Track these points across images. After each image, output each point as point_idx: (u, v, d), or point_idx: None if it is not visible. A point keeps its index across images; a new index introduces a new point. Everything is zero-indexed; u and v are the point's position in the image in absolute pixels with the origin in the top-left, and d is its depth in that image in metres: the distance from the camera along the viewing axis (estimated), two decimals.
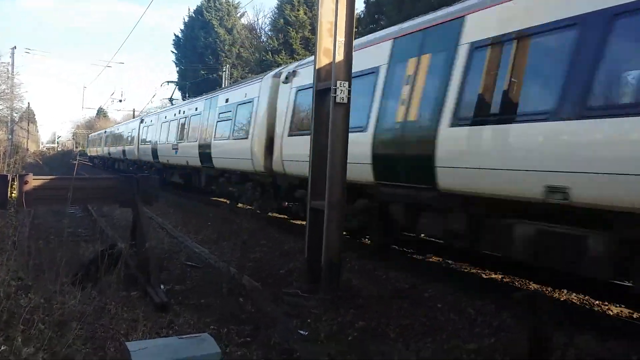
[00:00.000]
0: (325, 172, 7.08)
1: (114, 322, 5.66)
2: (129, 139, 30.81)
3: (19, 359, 4.32)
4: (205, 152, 16.67)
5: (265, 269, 8.95)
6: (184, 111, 20.29)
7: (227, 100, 15.65)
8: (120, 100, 51.32)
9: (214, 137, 16.12)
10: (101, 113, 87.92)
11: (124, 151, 32.24)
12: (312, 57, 8.87)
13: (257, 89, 13.50)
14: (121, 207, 9.96)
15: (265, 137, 12.51)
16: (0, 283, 5.81)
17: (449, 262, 8.79)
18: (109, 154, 39.89)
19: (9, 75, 29.13)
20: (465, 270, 8.27)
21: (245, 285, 7.60)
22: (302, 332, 5.83)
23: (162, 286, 7.26)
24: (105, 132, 46.09)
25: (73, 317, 5.52)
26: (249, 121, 13.51)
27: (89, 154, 58.07)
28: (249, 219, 11.31)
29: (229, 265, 8.05)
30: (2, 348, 4.32)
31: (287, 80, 11.46)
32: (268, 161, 12.29)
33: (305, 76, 10.21)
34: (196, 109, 18.71)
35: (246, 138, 13.38)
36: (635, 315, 6.16)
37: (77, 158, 20.87)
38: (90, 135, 66.38)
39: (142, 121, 28.45)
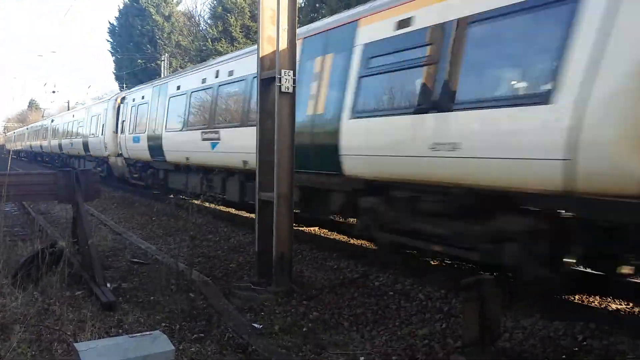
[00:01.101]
0: (272, 164, 7.04)
1: (60, 323, 5.46)
2: (93, 130, 23.89)
3: None
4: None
5: (215, 263, 8.86)
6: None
7: None
8: (54, 92, 48.99)
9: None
10: (33, 105, 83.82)
11: (84, 145, 25.46)
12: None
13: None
14: (60, 203, 9.56)
15: None
16: None
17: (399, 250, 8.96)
18: (60, 148, 32.09)
19: None
20: (413, 257, 8.46)
21: (195, 280, 7.49)
22: (256, 325, 5.82)
23: (108, 284, 7.03)
24: (52, 120, 37.67)
25: (15, 319, 5.31)
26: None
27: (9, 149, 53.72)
28: (195, 214, 11.10)
29: (177, 261, 7.91)
30: None
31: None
32: None
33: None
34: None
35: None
36: (577, 297, 6.45)
37: (11, 152, 19.52)
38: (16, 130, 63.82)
39: (122, 100, 20.68)
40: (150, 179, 17.58)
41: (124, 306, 6.48)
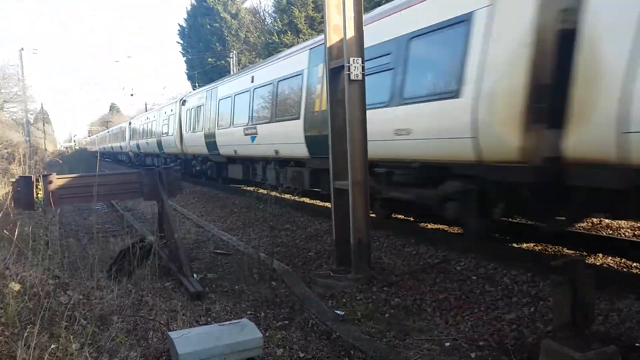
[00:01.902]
0: (345, 152, 7.04)
1: (154, 313, 5.75)
2: (163, 129, 25.96)
3: (66, 355, 4.41)
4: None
5: (294, 252, 9.01)
6: (253, 78, 15.26)
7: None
8: (132, 95, 51.47)
9: None
10: (114, 109, 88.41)
11: (158, 143, 27.35)
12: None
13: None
14: (146, 200, 10.04)
15: None
16: (38, 282, 5.92)
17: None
18: (138, 148, 34.50)
19: (20, 77, 29.23)
20: (496, 240, 8.22)
21: (276, 269, 7.67)
22: (338, 312, 5.87)
23: (194, 275, 7.34)
24: (130, 123, 40.14)
25: (113, 310, 5.62)
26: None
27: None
28: (272, 205, 11.33)
29: (257, 251, 8.11)
30: (52, 347, 4.41)
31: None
32: None
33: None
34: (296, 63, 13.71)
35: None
36: None
37: (98, 155, 20.74)
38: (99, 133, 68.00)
39: (183, 103, 22.68)
40: (209, 171, 19.87)
41: (210, 295, 6.74)
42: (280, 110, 12.72)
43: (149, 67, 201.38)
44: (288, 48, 16.55)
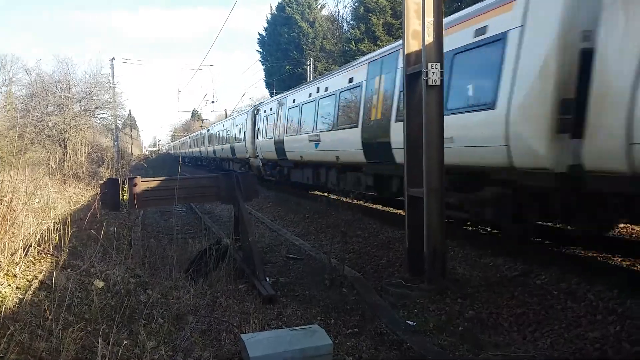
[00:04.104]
0: (421, 159, 6.91)
1: (227, 315, 5.88)
2: (238, 135, 27.26)
3: (143, 352, 4.60)
4: (377, 140, 13.00)
5: (365, 259, 8.94)
6: (325, 88, 15.65)
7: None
8: (213, 102, 53.24)
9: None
10: (196, 115, 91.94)
11: (232, 149, 29.10)
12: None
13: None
14: (223, 204, 10.32)
15: None
16: (121, 280, 6.23)
17: (560, 245, 8.30)
18: (214, 153, 36.79)
19: (110, 85, 31.02)
20: (580, 255, 7.77)
21: (347, 276, 7.64)
22: (409, 322, 5.75)
23: (267, 279, 7.44)
24: (208, 130, 42.94)
25: (189, 310, 5.81)
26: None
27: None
28: (344, 211, 11.35)
29: (329, 257, 8.12)
30: (127, 342, 4.61)
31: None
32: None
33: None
34: (350, 80, 13.93)
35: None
36: None
37: (180, 159, 21.64)
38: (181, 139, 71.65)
39: (256, 112, 24.12)
40: (278, 175, 20.74)
41: (282, 299, 6.80)
42: (341, 119, 13.49)
43: (230, 75, 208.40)
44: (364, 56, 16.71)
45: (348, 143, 12.61)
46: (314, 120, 15.47)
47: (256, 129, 23.43)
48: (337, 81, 14.16)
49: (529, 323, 5.48)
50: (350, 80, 13.11)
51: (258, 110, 23.95)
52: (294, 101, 18.03)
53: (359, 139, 11.98)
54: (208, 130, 42.75)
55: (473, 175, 8.22)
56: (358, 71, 12.79)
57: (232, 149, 28.80)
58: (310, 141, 15.40)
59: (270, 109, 21.29)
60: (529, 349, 4.97)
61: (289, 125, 18.16)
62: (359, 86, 12.51)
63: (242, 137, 25.90)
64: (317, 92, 15.62)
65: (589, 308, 5.53)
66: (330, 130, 13.96)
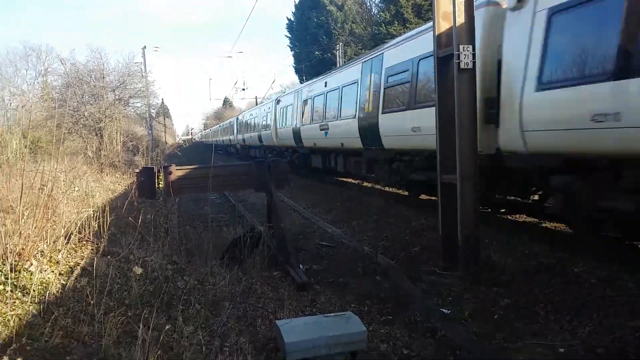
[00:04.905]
0: (454, 144, 6.82)
1: (262, 301, 5.97)
2: (264, 124, 28.93)
3: (181, 337, 4.71)
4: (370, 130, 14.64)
5: (398, 247, 8.92)
6: (330, 83, 17.76)
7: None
8: (243, 89, 53.45)
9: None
10: (227, 103, 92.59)
11: (259, 137, 30.62)
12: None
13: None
14: (256, 191, 10.42)
15: None
16: (158, 267, 6.38)
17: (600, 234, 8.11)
18: (243, 141, 38.48)
19: (143, 74, 31.35)
20: (618, 243, 7.58)
21: (380, 263, 7.64)
22: (444, 310, 5.73)
23: (301, 266, 7.51)
24: (237, 118, 44.55)
25: (225, 297, 5.91)
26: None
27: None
28: (376, 198, 11.34)
29: (362, 245, 8.13)
30: (167, 327, 4.73)
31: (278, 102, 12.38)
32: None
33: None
34: (349, 76, 16.08)
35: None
36: None
37: (213, 148, 22.03)
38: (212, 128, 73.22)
39: (277, 102, 25.97)
40: (295, 160, 22.46)
41: (315, 287, 6.86)
42: (343, 109, 15.39)
43: (260, 61, 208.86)
44: (394, 39, 17.00)
45: (349, 131, 14.42)
46: (324, 111, 17.35)
47: (277, 118, 25.29)
48: (341, 77, 16.08)
49: (567, 312, 5.40)
50: (349, 77, 15.16)
51: (279, 101, 25.58)
52: (308, 92, 19.89)
53: (357, 128, 13.80)
54: (237, 118, 44.15)
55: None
56: (355, 69, 14.69)
57: (260, 137, 30.21)
58: (321, 130, 17.26)
59: (288, 100, 23.38)
60: (567, 337, 4.91)
61: (304, 115, 19.91)
62: (355, 82, 14.43)
63: (268, 125, 27.44)
64: (326, 86, 17.61)
65: (628, 296, 5.42)
66: (336, 120, 15.83)
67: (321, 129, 17.19)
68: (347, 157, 15.73)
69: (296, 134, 20.77)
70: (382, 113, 11.97)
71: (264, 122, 28.55)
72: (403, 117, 10.78)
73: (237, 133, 42.16)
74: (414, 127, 10.23)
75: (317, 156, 19.00)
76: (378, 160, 12.86)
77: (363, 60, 14.10)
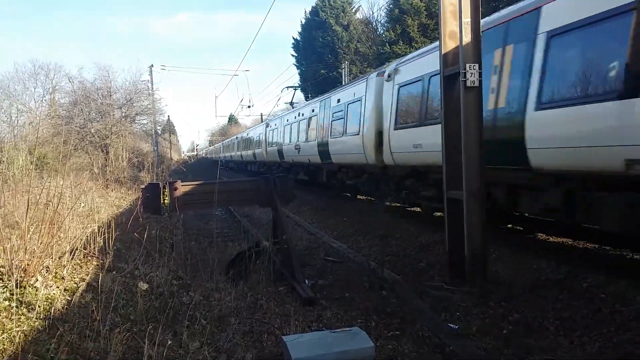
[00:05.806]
0: (460, 161, 6.83)
1: (268, 317, 5.92)
2: (257, 143, 33.82)
3: (187, 353, 4.67)
4: (324, 149, 18.28)
5: (405, 262, 8.86)
6: (302, 113, 22.20)
7: (338, 101, 17.20)
8: (249, 107, 53.71)
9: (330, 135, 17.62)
10: (232, 120, 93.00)
11: (254, 154, 35.48)
12: (413, 54, 12.33)
13: (363, 88, 14.66)
14: (261, 207, 10.40)
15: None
16: (164, 282, 6.35)
17: (607, 248, 8.06)
18: (242, 157, 43.82)
19: (150, 92, 31.62)
20: (627, 257, 7.53)
21: (387, 278, 7.58)
22: (452, 325, 5.66)
23: (306, 281, 7.46)
24: (237, 137, 50.55)
25: (230, 312, 5.87)
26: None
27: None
28: (382, 214, 11.32)
29: (368, 259, 8.08)
30: (169, 343, 4.69)
31: (390, 78, 12.64)
32: (379, 154, 13.48)
33: (406, 73, 11.80)
34: (312, 110, 20.34)
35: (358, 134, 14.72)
36: None
37: (219, 163, 22.12)
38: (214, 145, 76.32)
39: (267, 125, 30.72)
40: (291, 169, 25.52)
41: (322, 302, 6.79)
42: (309, 134, 20.00)
43: (265, 80, 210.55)
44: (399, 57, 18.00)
45: (313, 151, 18.90)
46: (297, 133, 22.01)
47: (267, 138, 30.09)
48: (307, 110, 20.72)
49: (576, 327, 5.33)
50: (313, 110, 19.86)
51: (268, 124, 30.75)
52: (295, 116, 23.35)
53: (316, 148, 18.44)
54: (237, 137, 50.95)
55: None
56: (315, 105, 19.65)
57: (254, 154, 35.50)
58: (296, 148, 21.97)
59: (275, 124, 28.10)
60: (577, 353, 4.84)
61: (291, 136, 23.69)
62: (316, 115, 19.16)
63: (260, 145, 32.52)
64: (299, 115, 22.28)
65: (639, 311, 5.35)
66: (307, 142, 20.12)
67: (295, 148, 22.02)
68: (311, 169, 20.81)
69: (280, 151, 25.69)
70: (331, 138, 16.89)
71: (258, 141, 33.84)
72: (342, 141, 15.77)
73: (237, 150, 48.09)
74: (346, 147, 15.44)
75: (295, 169, 23.52)
76: (330, 170, 17.86)
77: (320, 100, 19.28)
